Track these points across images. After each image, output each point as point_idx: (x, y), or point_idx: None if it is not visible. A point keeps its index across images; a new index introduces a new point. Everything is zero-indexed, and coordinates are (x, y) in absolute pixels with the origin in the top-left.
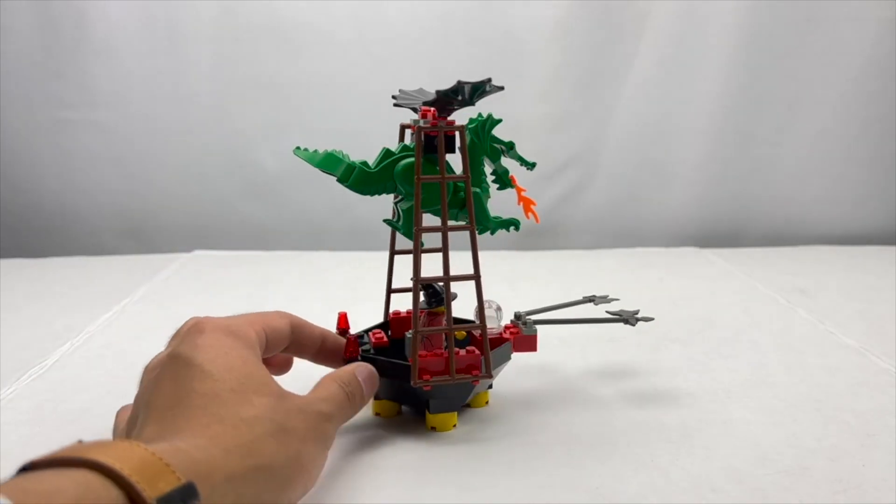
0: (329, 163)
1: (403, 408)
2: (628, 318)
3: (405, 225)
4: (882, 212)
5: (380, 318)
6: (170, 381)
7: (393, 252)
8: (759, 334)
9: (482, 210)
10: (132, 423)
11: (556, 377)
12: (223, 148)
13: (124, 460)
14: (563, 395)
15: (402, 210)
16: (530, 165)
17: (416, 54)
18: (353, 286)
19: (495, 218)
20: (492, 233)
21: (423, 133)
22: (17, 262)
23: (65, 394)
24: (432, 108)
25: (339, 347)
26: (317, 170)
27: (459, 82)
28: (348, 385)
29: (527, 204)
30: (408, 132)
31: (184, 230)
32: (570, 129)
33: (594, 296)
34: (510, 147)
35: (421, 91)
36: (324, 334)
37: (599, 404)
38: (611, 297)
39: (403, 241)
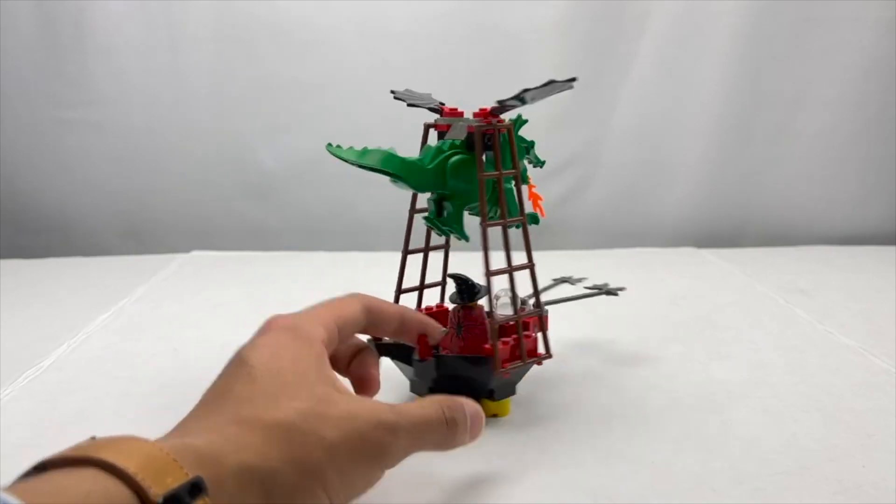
0: (386, 161)
1: None
2: (609, 290)
3: (457, 223)
4: (882, 212)
5: None
6: (223, 377)
7: (427, 249)
8: (759, 334)
9: (513, 204)
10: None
11: (554, 377)
12: (223, 148)
13: (132, 457)
14: (562, 395)
15: (453, 206)
16: (541, 164)
17: (416, 54)
18: (352, 286)
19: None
20: (517, 227)
21: (481, 132)
22: (15, 263)
23: (62, 395)
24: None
25: (418, 323)
26: (358, 168)
27: (525, 90)
28: (450, 409)
29: (535, 199)
30: (432, 131)
31: (183, 230)
32: (570, 129)
33: (570, 277)
34: (532, 146)
35: (428, 95)
36: (402, 313)
37: (599, 404)
38: (580, 277)
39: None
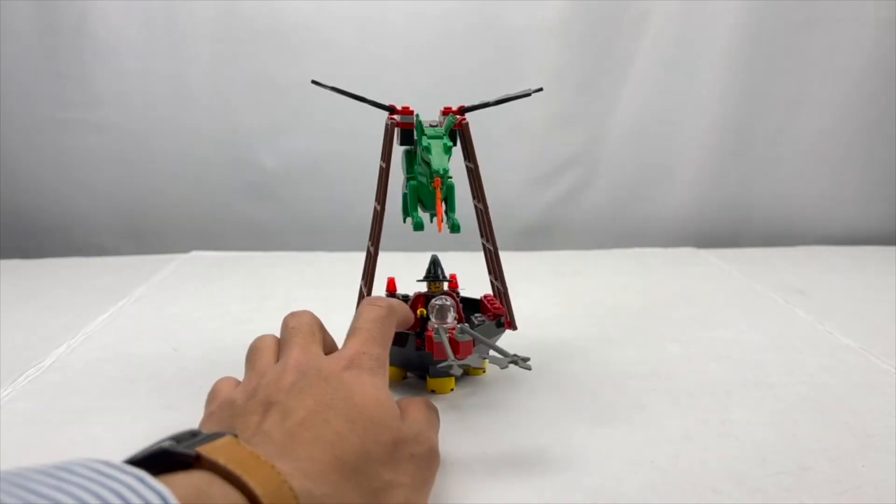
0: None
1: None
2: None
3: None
4: (882, 212)
5: None
6: (318, 405)
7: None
8: (759, 335)
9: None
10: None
11: (555, 378)
12: (223, 148)
13: (265, 485)
14: (563, 395)
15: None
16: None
17: (415, 54)
18: (352, 286)
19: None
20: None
21: (397, 127)
22: (14, 263)
23: (62, 395)
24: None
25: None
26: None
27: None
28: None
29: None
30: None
31: (183, 230)
32: (570, 129)
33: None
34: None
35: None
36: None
37: (599, 404)
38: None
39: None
